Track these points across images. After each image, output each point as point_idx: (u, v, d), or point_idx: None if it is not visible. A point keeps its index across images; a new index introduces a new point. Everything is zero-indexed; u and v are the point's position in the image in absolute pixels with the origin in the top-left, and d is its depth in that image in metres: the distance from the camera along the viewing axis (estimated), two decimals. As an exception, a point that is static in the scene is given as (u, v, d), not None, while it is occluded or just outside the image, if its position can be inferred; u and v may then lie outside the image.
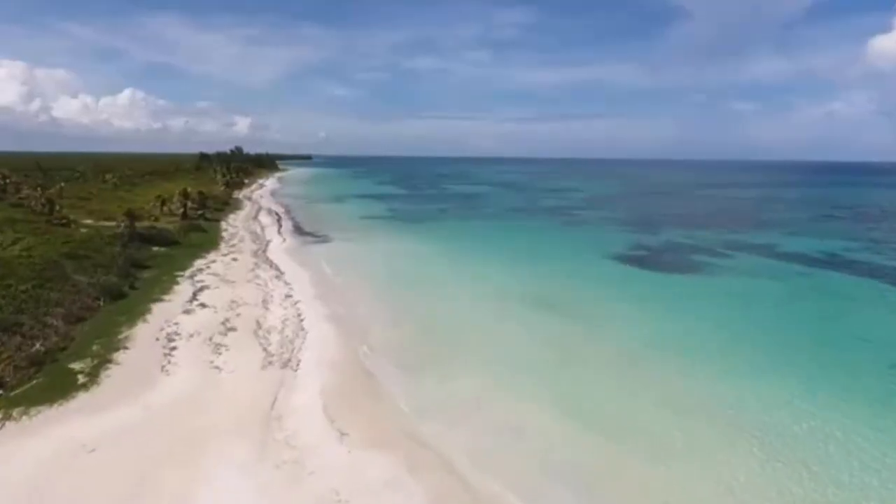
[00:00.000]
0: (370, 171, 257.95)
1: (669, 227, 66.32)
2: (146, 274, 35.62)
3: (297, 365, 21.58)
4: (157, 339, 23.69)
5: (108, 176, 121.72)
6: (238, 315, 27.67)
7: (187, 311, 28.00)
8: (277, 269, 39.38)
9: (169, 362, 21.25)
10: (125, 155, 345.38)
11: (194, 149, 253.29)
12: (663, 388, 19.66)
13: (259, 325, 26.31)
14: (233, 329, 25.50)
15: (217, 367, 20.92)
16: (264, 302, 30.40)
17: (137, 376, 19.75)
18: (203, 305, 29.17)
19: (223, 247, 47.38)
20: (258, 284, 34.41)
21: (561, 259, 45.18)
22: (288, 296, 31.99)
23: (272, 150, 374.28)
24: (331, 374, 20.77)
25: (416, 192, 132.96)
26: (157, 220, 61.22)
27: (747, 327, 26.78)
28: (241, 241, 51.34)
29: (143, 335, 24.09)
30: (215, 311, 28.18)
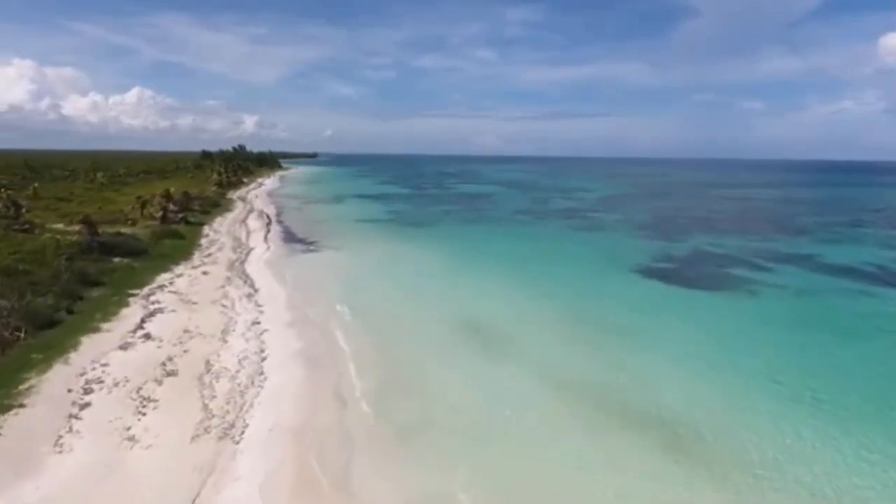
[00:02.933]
0: (375, 170, 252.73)
1: (693, 232, 60.70)
2: (95, 292, 30.42)
3: (242, 433, 16.26)
4: (70, 391, 18.44)
5: (98, 175, 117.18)
6: (186, 352, 22.40)
7: (125, 346, 22.75)
8: (252, 285, 34.12)
9: (70, 429, 15.99)
10: (131, 153, 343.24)
11: (202, 147, 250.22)
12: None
13: (208, 366, 21.03)
14: (173, 373, 20.23)
15: (132, 438, 15.62)
16: (224, 332, 25.12)
17: (16, 456, 14.49)
18: (147, 337, 23.91)
19: (197, 257, 42.17)
20: (223, 307, 29.15)
21: (578, 274, 39.62)
22: (255, 322, 26.71)
23: (279, 149, 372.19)
24: (283, 450, 15.42)
25: (420, 192, 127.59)
26: (134, 223, 56.24)
27: (819, 380, 21.03)
28: (220, 249, 46.13)
29: (53, 384, 18.84)
30: (159, 346, 22.93)
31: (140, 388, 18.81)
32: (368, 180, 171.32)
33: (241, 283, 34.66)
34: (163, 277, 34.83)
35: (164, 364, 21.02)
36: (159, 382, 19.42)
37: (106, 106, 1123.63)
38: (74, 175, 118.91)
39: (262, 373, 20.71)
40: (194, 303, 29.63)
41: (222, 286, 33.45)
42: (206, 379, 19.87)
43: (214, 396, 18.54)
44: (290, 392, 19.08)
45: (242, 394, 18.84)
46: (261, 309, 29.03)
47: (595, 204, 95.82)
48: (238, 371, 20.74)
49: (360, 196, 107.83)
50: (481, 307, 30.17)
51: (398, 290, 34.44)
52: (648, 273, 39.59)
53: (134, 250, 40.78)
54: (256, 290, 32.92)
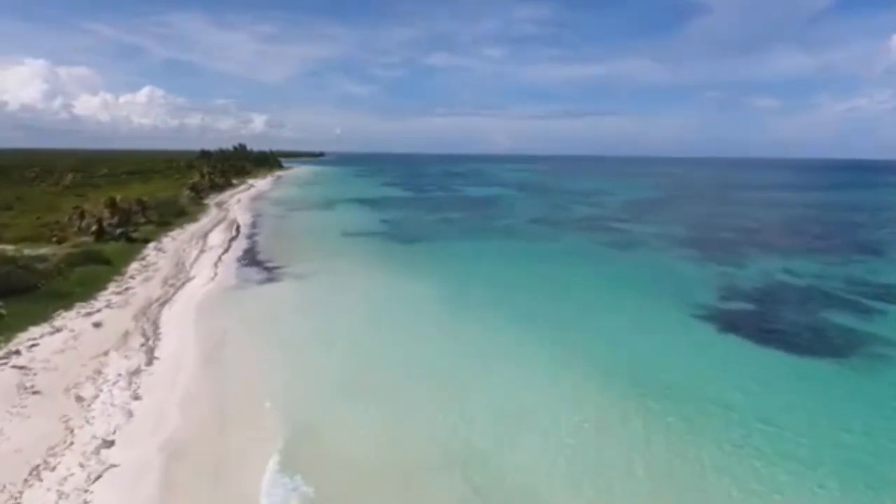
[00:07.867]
0: (378, 170, 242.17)
1: (749, 251, 49.27)
2: None
3: None
4: None
5: (68, 176, 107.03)
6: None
7: None
8: (152, 349, 23.41)
9: None
10: (139, 152, 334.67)
11: (210, 146, 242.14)
12: None
13: None
14: None
15: None
16: (34, 473, 14.35)
17: None
18: None
19: (107, 293, 31.51)
20: (78, 400, 18.44)
21: (623, 322, 28.43)
22: (105, 443, 15.95)
23: (287, 147, 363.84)
24: None
25: (422, 194, 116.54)
26: (60, 241, 45.84)
27: None
28: (149, 279, 35.43)
29: None
30: None
31: None
32: (369, 181, 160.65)
33: (138, 344, 23.91)
34: (29, 334, 24.22)
35: None
36: None
37: (117, 105, 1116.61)
38: (44, 176, 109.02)
39: None
40: (36, 392, 18.90)
41: (105, 352, 22.72)
42: None
43: None
44: None
45: None
46: (135, 405, 18.23)
47: (619, 211, 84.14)
48: None
49: (356, 200, 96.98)
50: (488, 392, 19.25)
51: (372, 355, 23.52)
52: (718, 322, 28.42)
53: (19, 286, 30.13)
54: (153, 360, 22.20)
